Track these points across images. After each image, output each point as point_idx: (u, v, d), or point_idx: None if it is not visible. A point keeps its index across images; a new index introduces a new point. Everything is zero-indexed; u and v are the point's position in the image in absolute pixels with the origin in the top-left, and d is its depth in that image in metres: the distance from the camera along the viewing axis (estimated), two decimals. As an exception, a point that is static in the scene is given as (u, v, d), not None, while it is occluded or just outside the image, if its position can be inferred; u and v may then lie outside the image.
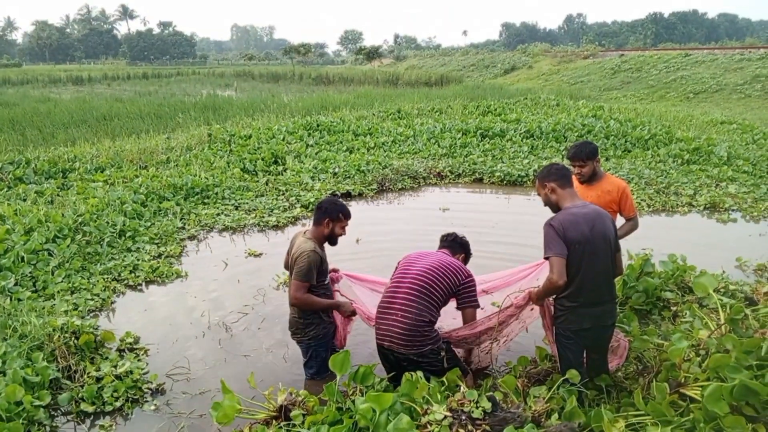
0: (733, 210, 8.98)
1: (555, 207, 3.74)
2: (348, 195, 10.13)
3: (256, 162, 11.31)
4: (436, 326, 3.94)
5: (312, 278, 3.92)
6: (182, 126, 16.86)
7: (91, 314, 5.67)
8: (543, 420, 3.28)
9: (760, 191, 9.66)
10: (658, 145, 12.54)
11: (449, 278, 3.84)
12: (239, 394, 4.16)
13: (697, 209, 9.08)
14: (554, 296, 3.72)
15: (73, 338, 4.74)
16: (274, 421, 3.55)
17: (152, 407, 4.19)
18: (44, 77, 50.66)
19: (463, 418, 3.00)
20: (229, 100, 23.39)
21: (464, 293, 3.90)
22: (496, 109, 18.33)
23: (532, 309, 4.01)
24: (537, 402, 3.27)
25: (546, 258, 3.49)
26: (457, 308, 3.96)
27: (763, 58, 27.20)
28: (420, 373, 3.57)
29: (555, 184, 3.68)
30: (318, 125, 14.49)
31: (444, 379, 3.67)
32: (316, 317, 4.13)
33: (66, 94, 35.78)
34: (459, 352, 4.21)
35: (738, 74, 25.35)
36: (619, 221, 4.78)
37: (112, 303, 5.93)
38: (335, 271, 4.49)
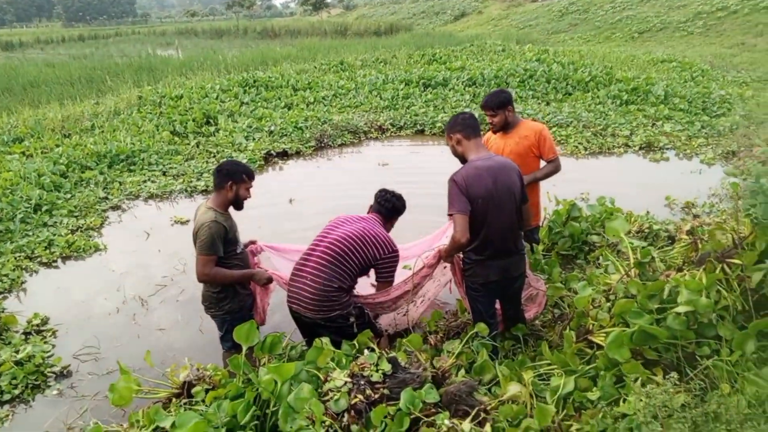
0: (667, 148, 9.04)
1: (462, 159, 3.59)
2: (285, 154, 9.81)
3: (186, 123, 10.81)
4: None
5: (218, 250, 3.68)
6: (114, 90, 16.01)
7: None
8: (450, 377, 3.20)
9: (694, 128, 9.73)
10: (598, 86, 12.49)
11: (369, 250, 3.67)
12: (147, 373, 3.99)
13: (633, 149, 9.10)
14: (462, 250, 3.60)
15: (-30, 324, 4.44)
16: (175, 399, 3.39)
17: (55, 392, 3.98)
18: (-31, 43, 47.58)
19: (362, 383, 2.88)
20: (167, 60, 22.31)
21: (383, 268, 3.76)
22: (441, 58, 17.98)
23: (445, 267, 3.89)
24: (440, 359, 3.17)
25: (449, 215, 3.34)
26: (376, 281, 3.82)
27: (705, -6, 27.32)
28: (326, 339, 3.44)
29: (460, 135, 3.52)
30: (255, 81, 13.95)
31: (355, 342, 3.55)
32: (231, 290, 3.91)
33: (-7, 60, 33.71)
34: (387, 317, 4.10)
35: (681, 12, 25.39)
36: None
37: (22, 283, 5.60)
38: (253, 242, 4.25)
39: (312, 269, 3.60)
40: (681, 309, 2.83)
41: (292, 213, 7.23)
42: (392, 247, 3.78)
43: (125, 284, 5.45)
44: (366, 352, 3.20)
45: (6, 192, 7.28)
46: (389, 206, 4.00)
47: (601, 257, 4.15)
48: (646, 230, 5.41)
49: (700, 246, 3.29)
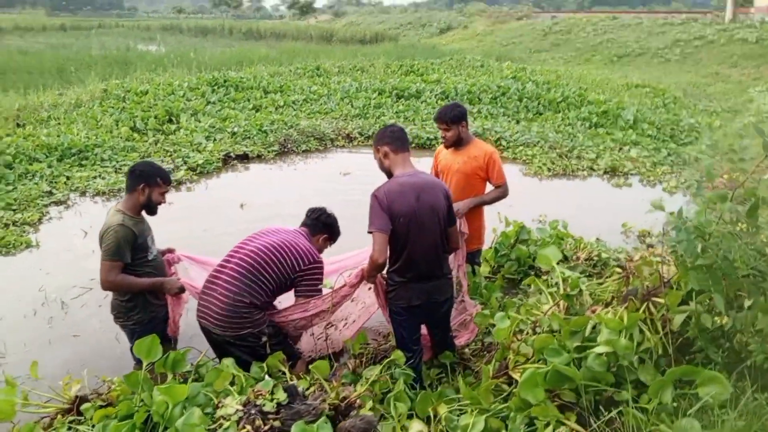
0: (632, 174, 8.97)
1: (388, 173, 3.41)
2: (245, 157, 9.56)
3: (147, 120, 10.52)
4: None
5: (124, 256, 3.42)
6: (82, 82, 15.60)
7: None
8: (358, 408, 3.00)
9: (660, 155, 9.70)
10: (569, 107, 12.46)
11: (287, 261, 3.44)
12: (48, 384, 3.72)
13: (598, 173, 9.02)
14: (386, 271, 3.41)
15: None
16: (61, 417, 3.13)
17: (-55, 400, 3.67)
18: (-53, 27, 46.46)
19: (253, 412, 2.66)
20: (143, 55, 21.99)
21: (304, 281, 3.50)
22: (418, 69, 17.89)
23: (369, 288, 3.70)
24: (345, 389, 2.97)
25: (369, 232, 3.15)
26: (295, 295, 3.56)
27: (684, 23, 27.69)
28: (229, 361, 3.22)
29: (388, 147, 3.34)
30: (225, 81, 13.69)
31: (264, 365, 3.33)
32: (140, 299, 3.65)
33: (-33, 45, 32.90)
34: (308, 342, 3.88)
35: (660, 38, 25.70)
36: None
37: (-61, 279, 5.29)
38: (171, 251, 4.01)
39: (223, 282, 3.38)
40: (600, 349, 2.67)
41: (238, 218, 6.98)
42: (313, 257, 3.54)
43: (49, 285, 5.16)
44: (266, 378, 2.99)
45: (-59, 181, 6.93)
46: (314, 217, 3.80)
47: (532, 286, 3.99)
48: (595, 258, 5.28)
49: (631, 280, 3.14)
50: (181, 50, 25.71)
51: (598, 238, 5.71)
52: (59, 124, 10.20)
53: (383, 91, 13.71)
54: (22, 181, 7.70)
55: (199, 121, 10.77)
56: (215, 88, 13.28)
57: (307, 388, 3.01)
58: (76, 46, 33.67)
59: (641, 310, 2.83)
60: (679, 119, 11.89)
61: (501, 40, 32.98)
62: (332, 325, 3.83)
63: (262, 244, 3.47)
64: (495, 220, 5.67)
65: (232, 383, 3.09)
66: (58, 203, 7.33)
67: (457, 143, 4.39)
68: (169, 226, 6.61)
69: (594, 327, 2.85)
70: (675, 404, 2.60)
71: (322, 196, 7.75)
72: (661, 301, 2.77)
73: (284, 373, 3.31)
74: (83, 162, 8.67)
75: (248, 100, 12.73)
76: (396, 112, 12.39)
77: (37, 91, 13.51)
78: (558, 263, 5.10)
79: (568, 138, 10.40)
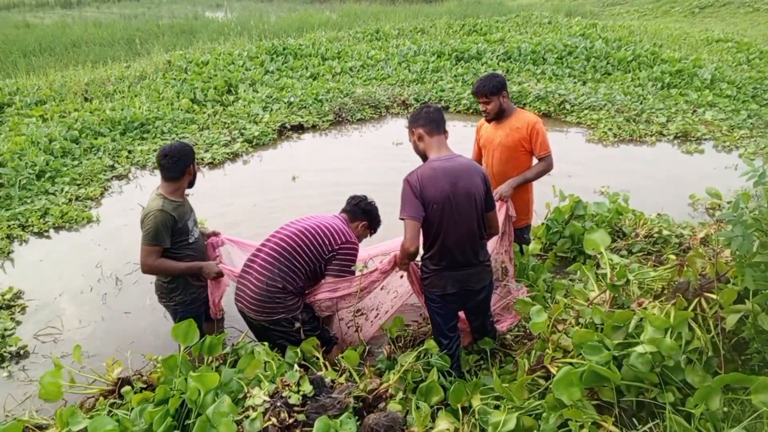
0: (705, 139, 8.33)
1: (423, 156, 3.25)
2: (300, 127, 9.54)
3: (207, 91, 10.65)
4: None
5: (163, 241, 3.45)
6: (150, 53, 16.01)
7: (-16, 265, 5.35)
8: (388, 399, 2.93)
9: (739, 117, 8.94)
10: (640, 67, 11.65)
11: (320, 242, 3.39)
12: (101, 359, 3.87)
13: (668, 138, 8.43)
14: (419, 258, 3.29)
15: (-62, 297, 4.42)
16: (102, 398, 3.24)
17: (5, 374, 3.91)
18: (32, 0, 48.67)
19: (279, 404, 2.64)
20: (207, 23, 22.21)
21: (336, 259, 3.43)
22: (481, 29, 17.22)
23: (402, 277, 3.59)
24: (372, 381, 2.89)
25: (401, 219, 3.02)
26: (325, 274, 3.49)
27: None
28: (260, 348, 3.22)
29: (423, 130, 3.17)
30: (284, 49, 13.63)
31: (298, 350, 3.31)
32: (181, 280, 3.71)
33: (50, 18, 34.35)
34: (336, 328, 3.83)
35: (749, -15, 23.54)
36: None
37: (9, 253, 5.59)
38: (216, 234, 4.03)
39: (258, 267, 3.36)
40: (642, 348, 2.46)
41: (289, 191, 7.00)
42: (348, 237, 3.48)
43: (106, 260, 5.36)
44: (296, 367, 2.95)
45: (14, 157, 7.28)
46: (354, 203, 3.72)
47: (578, 272, 3.75)
48: (655, 234, 4.93)
49: (683, 271, 2.87)
50: (245, 17, 25.92)
51: (659, 214, 5.33)
52: (123, 97, 10.49)
53: (442, 53, 13.28)
54: (87, 156, 8.00)
55: (257, 92, 10.80)
56: (274, 56, 13.26)
57: (337, 378, 2.96)
58: (148, 14, 34.52)
59: (692, 306, 2.58)
60: (764, 77, 10.88)
61: (572, -7, 31.20)
62: (362, 314, 3.75)
63: (297, 228, 3.43)
64: (548, 193, 5.40)
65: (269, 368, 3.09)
66: (119, 177, 7.58)
67: (499, 115, 4.16)
68: (221, 201, 6.77)
69: (640, 322, 2.64)
70: (726, 409, 2.38)
71: (373, 167, 7.71)
72: (715, 297, 2.51)
73: (318, 359, 3.30)
74: (144, 135, 8.91)
75: (306, 68, 12.66)
76: (454, 76, 11.99)
77: (105, 64, 13.98)
78: (612, 244, 4.86)
79: (637, 100, 9.74)
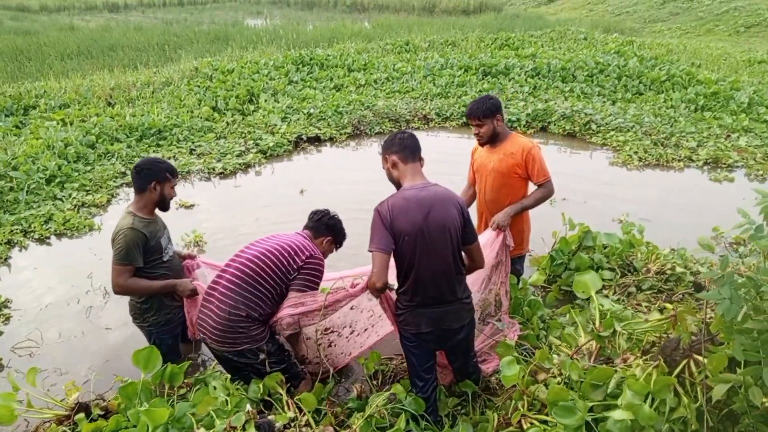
0: (737, 166, 7.88)
1: (397, 185, 3.04)
2: (317, 139, 9.42)
3: (229, 100, 10.64)
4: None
5: (135, 259, 3.35)
6: (184, 59, 16.19)
7: (-21, 271, 5.33)
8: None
9: (776, 144, 8.44)
10: (674, 88, 11.17)
11: (284, 263, 3.21)
12: (71, 377, 3.76)
13: (697, 164, 8.00)
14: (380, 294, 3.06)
15: None
16: (56, 425, 3.10)
17: (-26, 388, 3.81)
18: (81, 4, 50.21)
19: (220, 450, 2.45)
20: (241, 30, 22.42)
21: (300, 275, 3.22)
22: (513, 43, 16.89)
23: (370, 299, 3.39)
24: (327, 429, 2.68)
25: (369, 251, 2.81)
26: (290, 289, 3.26)
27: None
28: (217, 382, 3.04)
29: (397, 156, 2.98)
30: (311, 59, 13.59)
31: (259, 386, 3.12)
32: (155, 300, 3.61)
33: (95, 22, 35.31)
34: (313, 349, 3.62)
35: (800, 4, 22.63)
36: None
37: (6, 259, 5.57)
38: (191, 257, 3.89)
39: (219, 295, 3.18)
40: (618, 415, 2.19)
41: (295, 206, 6.84)
42: (312, 252, 3.29)
43: (98, 271, 5.27)
44: (247, 407, 2.76)
45: (27, 160, 7.33)
46: (317, 219, 3.53)
47: (567, 314, 3.46)
48: (668, 271, 4.59)
49: (675, 327, 2.58)
50: (282, 25, 26.12)
51: (673, 249, 4.97)
52: (146, 103, 10.55)
53: (469, 67, 13.03)
54: (100, 162, 8.02)
55: (278, 102, 10.74)
56: (300, 66, 13.22)
57: (291, 422, 2.76)
58: (189, 20, 35.17)
59: (680, 369, 2.30)
60: (808, 101, 10.31)
61: (614, 9, 30.53)
62: (333, 331, 3.54)
63: (258, 250, 3.25)
64: (557, 220, 5.12)
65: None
66: (129, 185, 7.54)
67: (493, 139, 3.96)
68: (224, 213, 6.67)
69: (617, 383, 2.37)
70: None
71: (385, 183, 7.50)
72: (704, 360, 2.23)
73: (281, 396, 3.11)
74: (161, 142, 8.91)
75: (330, 79, 12.57)
76: (479, 91, 11.73)
77: (136, 69, 14.17)
78: (621, 279, 4.55)
79: (668, 122, 9.32)
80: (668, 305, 3.26)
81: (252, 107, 10.60)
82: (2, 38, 19.25)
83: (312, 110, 10.23)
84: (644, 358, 2.45)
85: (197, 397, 2.95)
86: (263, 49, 15.51)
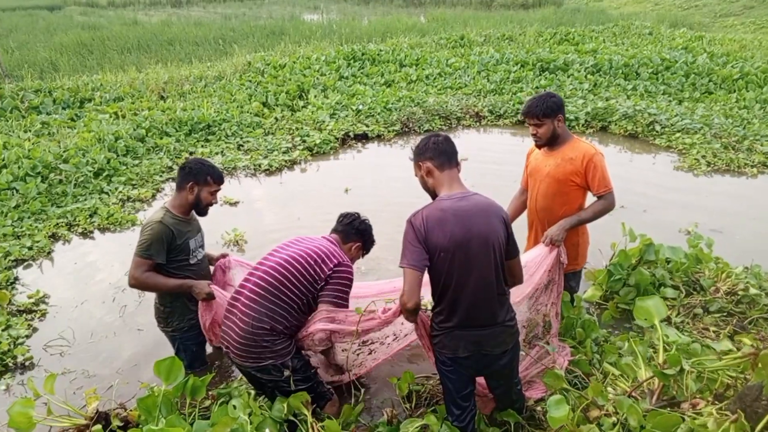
0: (820, 174, 7.20)
1: (432, 194, 2.76)
2: (364, 137, 9.20)
3: (279, 95, 10.56)
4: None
5: (156, 255, 3.24)
6: (237, 53, 16.29)
7: (23, 264, 5.36)
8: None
9: None
10: (748, 86, 10.38)
11: (311, 271, 2.97)
12: (99, 381, 3.68)
13: (773, 170, 7.36)
14: (430, 311, 2.80)
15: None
16: (72, 434, 2.99)
17: (3, 387, 3.77)
18: (147, -1, 51.73)
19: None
20: (298, 24, 22.45)
21: (329, 285, 2.98)
22: (573, 38, 16.22)
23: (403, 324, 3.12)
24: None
25: (400, 266, 2.55)
26: (319, 301, 3.02)
27: None
28: (237, 401, 2.85)
29: (431, 164, 2.69)
30: (362, 54, 13.39)
31: (283, 405, 2.91)
32: (178, 305, 3.48)
33: (158, 17, 36.22)
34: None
35: None
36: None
37: (49, 253, 5.58)
38: (224, 256, 3.73)
39: (242, 306, 2.98)
40: (684, 477, 1.86)
41: (338, 206, 6.61)
42: (341, 259, 3.04)
43: (136, 269, 5.21)
44: (266, 431, 2.55)
45: (78, 153, 7.41)
46: (347, 223, 3.29)
47: (626, 344, 3.09)
48: (740, 293, 4.13)
49: (756, 368, 2.21)
50: (338, 20, 26.09)
51: (746, 266, 4.48)
52: (197, 97, 10.59)
53: (526, 63, 12.54)
54: (148, 156, 8.04)
55: (327, 98, 10.58)
56: (351, 61, 13.04)
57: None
58: (247, 15, 35.65)
59: (762, 425, 1.94)
60: None
61: (681, 3, 29.05)
62: (373, 342, 3.30)
63: (282, 258, 3.02)
64: (616, 231, 4.72)
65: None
66: (174, 180, 7.52)
67: (551, 142, 3.59)
68: (266, 210, 6.54)
69: (688, 434, 2.02)
70: None
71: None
72: (794, 418, 1.86)
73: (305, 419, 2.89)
74: (209, 137, 8.89)
75: (381, 75, 12.34)
76: (536, 87, 11.25)
77: (191, 63, 14.31)
78: (685, 299, 4.12)
79: (740, 124, 8.62)
80: (744, 339, 2.85)
81: (301, 103, 10.48)
82: (70, 33, 19.90)
83: (361, 106, 10.01)
84: (718, 406, 2.10)
85: (216, 416, 2.76)
86: (316, 44, 15.43)
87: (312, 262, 2.98)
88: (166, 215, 3.29)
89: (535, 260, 3.31)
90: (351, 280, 3.06)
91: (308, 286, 2.97)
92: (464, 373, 2.78)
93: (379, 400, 3.46)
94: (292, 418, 2.92)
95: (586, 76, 11.63)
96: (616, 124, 9.16)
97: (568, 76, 11.82)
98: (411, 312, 2.55)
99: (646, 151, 8.35)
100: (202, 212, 3.47)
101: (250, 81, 11.61)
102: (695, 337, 3.60)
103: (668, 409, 2.23)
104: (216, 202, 3.48)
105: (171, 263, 3.32)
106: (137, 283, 3.29)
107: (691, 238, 4.75)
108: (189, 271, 3.40)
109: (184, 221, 3.38)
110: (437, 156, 2.65)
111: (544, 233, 3.62)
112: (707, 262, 4.49)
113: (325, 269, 2.97)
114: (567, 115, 9.33)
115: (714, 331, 3.75)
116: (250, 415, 2.83)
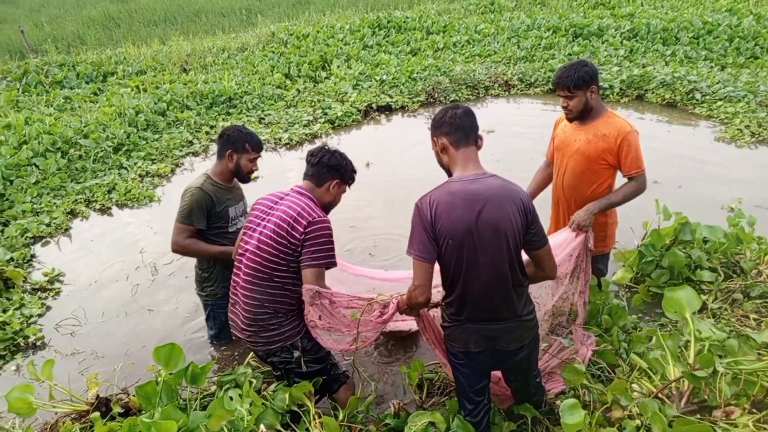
0: None
1: (448, 172, 2.53)
2: (387, 108, 8.93)
3: (301, 66, 10.32)
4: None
5: (197, 220, 3.21)
6: (261, 23, 16.03)
7: (41, 241, 5.34)
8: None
9: None
10: (799, 50, 9.74)
11: (285, 243, 2.66)
12: (106, 362, 3.63)
13: (825, 140, 6.86)
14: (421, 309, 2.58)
15: (-24, 275, 4.38)
16: (69, 422, 2.92)
17: (13, 367, 3.74)
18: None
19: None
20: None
21: (305, 249, 2.65)
22: (609, 1, 15.42)
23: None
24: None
25: (407, 254, 2.36)
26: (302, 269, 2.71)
27: None
28: (234, 392, 2.71)
29: (447, 139, 2.44)
30: (388, 22, 13.00)
31: (286, 396, 2.77)
32: (217, 271, 3.43)
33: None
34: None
35: None
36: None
37: (67, 230, 5.55)
38: None
39: (244, 284, 2.76)
40: (715, 496, 1.65)
41: (358, 181, 6.44)
42: (312, 215, 2.68)
43: (150, 246, 5.15)
44: (261, 428, 2.42)
45: (98, 128, 7.35)
46: (315, 162, 2.87)
47: (654, 338, 2.84)
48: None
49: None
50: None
51: (792, 248, 4.14)
52: (220, 69, 10.43)
53: (558, 28, 11.99)
54: (169, 130, 7.94)
55: (350, 68, 10.30)
56: (376, 30, 12.67)
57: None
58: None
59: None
60: None
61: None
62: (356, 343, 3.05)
63: (258, 235, 2.73)
64: (648, 208, 4.40)
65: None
66: (195, 154, 7.44)
67: (583, 115, 3.28)
68: (284, 185, 6.36)
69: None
70: None
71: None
72: None
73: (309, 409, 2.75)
74: (230, 110, 8.75)
75: (407, 43, 11.96)
76: (568, 54, 10.74)
77: (214, 34, 14.13)
78: (724, 283, 3.85)
79: (789, 91, 8.07)
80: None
81: (324, 74, 10.23)
82: (98, 6, 19.88)
83: (385, 77, 9.71)
84: (756, 416, 1.87)
85: (212, 407, 2.64)
86: (341, 13, 15.05)
87: (283, 232, 2.67)
88: (206, 181, 3.27)
89: (560, 245, 3.06)
90: (328, 235, 2.71)
91: (289, 257, 2.68)
92: (477, 367, 2.59)
93: (387, 389, 3.30)
94: (295, 408, 2.79)
95: (621, 42, 11.05)
96: (653, 93, 8.68)
97: (603, 42, 11.25)
98: (421, 306, 2.36)
99: (684, 121, 7.89)
100: (244, 179, 3.40)
101: (273, 52, 11.39)
102: (733, 325, 3.33)
103: (698, 416, 2.01)
104: (256, 169, 3.41)
105: (210, 230, 3.29)
106: (180, 249, 3.28)
107: (732, 216, 4.41)
108: (227, 239, 3.34)
109: (224, 188, 3.32)
110: (453, 131, 2.40)
111: (569, 215, 3.38)
112: (749, 242, 4.16)
113: (297, 235, 2.65)
114: (601, 83, 8.91)
115: (755, 319, 3.47)
116: (251, 404, 2.70)
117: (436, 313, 2.75)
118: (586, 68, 3.19)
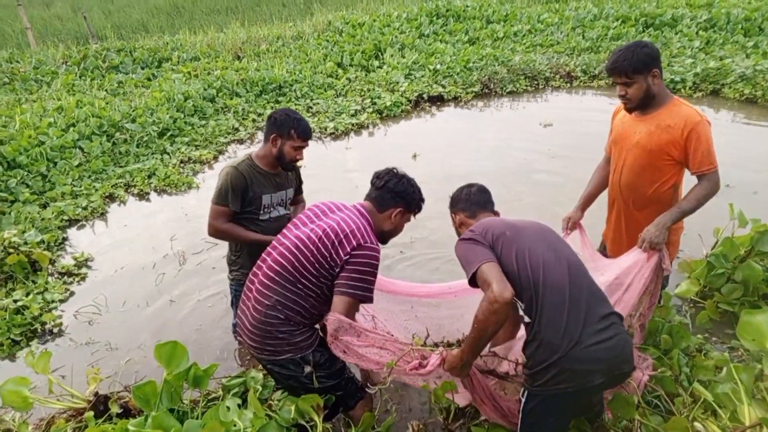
0: None
1: None
2: (439, 99, 8.56)
3: (354, 55, 10.06)
4: None
5: (231, 201, 2.96)
6: (318, 11, 15.89)
7: (77, 225, 5.29)
8: None
9: None
10: None
11: (325, 254, 2.41)
12: (121, 354, 3.47)
13: None
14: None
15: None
16: (62, 420, 2.74)
17: (26, 354, 3.62)
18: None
19: None
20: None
21: (343, 273, 2.40)
22: (687, -11, 14.45)
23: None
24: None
25: (473, 274, 2.05)
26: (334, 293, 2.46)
27: None
28: (232, 402, 2.45)
29: (463, 215, 2.60)
30: (447, 10, 12.56)
31: (291, 408, 2.49)
32: (246, 254, 3.16)
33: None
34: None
35: None
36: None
37: (103, 214, 5.48)
38: None
39: (255, 292, 2.51)
40: None
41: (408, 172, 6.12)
42: (364, 239, 2.42)
43: (182, 234, 5.00)
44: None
45: (145, 113, 7.32)
46: (380, 185, 2.63)
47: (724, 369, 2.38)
48: None
49: None
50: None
51: None
52: (273, 57, 10.31)
53: (628, 18, 11.25)
54: (216, 117, 7.85)
55: (403, 57, 9.96)
56: (434, 18, 12.28)
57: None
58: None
59: None
60: None
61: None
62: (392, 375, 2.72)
63: (304, 234, 2.47)
64: (720, 214, 3.85)
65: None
66: (240, 141, 7.30)
67: (644, 104, 2.82)
68: (325, 176, 6.12)
69: None
70: None
71: (510, 150, 6.54)
72: None
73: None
74: (279, 99, 8.59)
75: (466, 32, 11.51)
76: (638, 46, 10.02)
77: (272, 23, 14.07)
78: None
79: None
80: None
81: (377, 63, 9.94)
82: (164, -6, 20.33)
83: (439, 66, 9.32)
84: None
85: (207, 417, 2.39)
86: (399, 1, 14.70)
87: (329, 243, 2.42)
88: (244, 162, 3.02)
89: (630, 272, 2.64)
90: (374, 266, 2.45)
91: (323, 271, 2.44)
92: (567, 413, 2.20)
93: (411, 405, 2.98)
94: (302, 422, 2.50)
95: (697, 33, 10.23)
96: (730, 87, 7.94)
97: (676, 33, 10.47)
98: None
99: (765, 118, 7.15)
100: (287, 167, 3.09)
101: (328, 41, 11.19)
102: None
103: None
104: (301, 158, 3.07)
105: (241, 212, 3.03)
106: (216, 233, 3.06)
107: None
108: (256, 226, 3.09)
109: (263, 173, 3.04)
110: (468, 207, 2.59)
111: (626, 218, 2.97)
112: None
113: (341, 252, 2.39)
114: (672, 77, 8.27)
115: None
116: (254, 415, 2.43)
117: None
118: (645, 50, 2.72)
